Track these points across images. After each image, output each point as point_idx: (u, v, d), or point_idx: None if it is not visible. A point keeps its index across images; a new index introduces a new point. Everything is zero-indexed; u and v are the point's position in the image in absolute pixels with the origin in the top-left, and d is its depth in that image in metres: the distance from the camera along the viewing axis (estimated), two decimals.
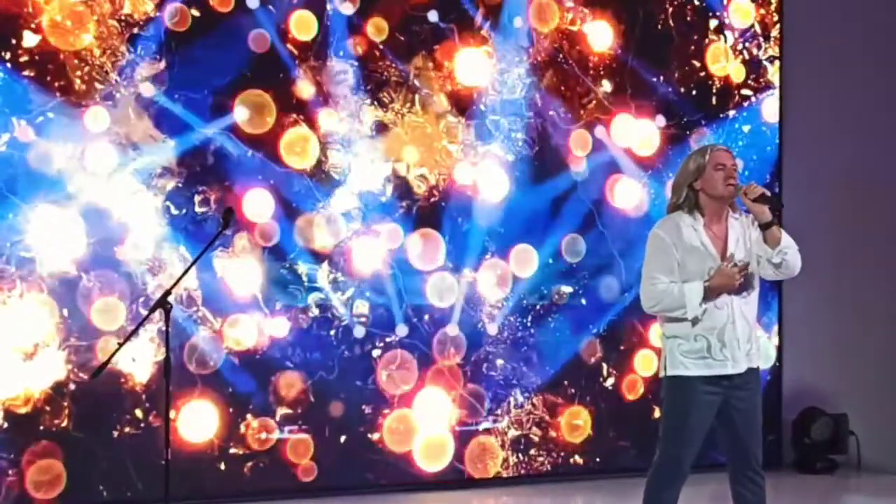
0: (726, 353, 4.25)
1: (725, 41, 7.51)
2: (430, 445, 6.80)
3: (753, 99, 7.59)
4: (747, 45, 7.57)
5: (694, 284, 4.23)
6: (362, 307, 6.68)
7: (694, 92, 7.44)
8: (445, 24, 6.87)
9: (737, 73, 7.55)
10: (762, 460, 4.45)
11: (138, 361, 6.15)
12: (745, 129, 7.57)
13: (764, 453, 7.48)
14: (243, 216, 6.37)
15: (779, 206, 4.25)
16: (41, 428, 6.00)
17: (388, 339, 6.72)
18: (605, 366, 7.18)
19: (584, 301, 7.14)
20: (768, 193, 4.26)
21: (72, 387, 6.04)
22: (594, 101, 7.20)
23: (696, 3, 7.43)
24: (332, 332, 6.61)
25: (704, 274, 4.26)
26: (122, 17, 6.19)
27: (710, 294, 4.23)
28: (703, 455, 4.47)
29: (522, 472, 7.02)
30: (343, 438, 6.61)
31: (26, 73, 6.01)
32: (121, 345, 4.94)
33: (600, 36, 7.22)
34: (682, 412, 4.29)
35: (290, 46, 6.54)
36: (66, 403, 6.04)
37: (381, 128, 6.75)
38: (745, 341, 4.29)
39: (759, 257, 4.31)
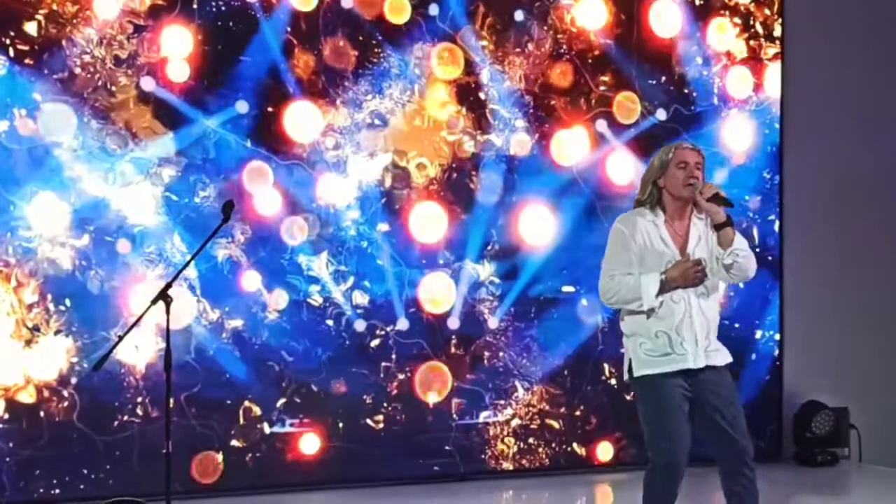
0: (686, 346, 4.24)
1: (727, 37, 7.50)
2: (430, 437, 6.79)
3: (755, 97, 7.58)
4: (750, 42, 7.56)
5: (650, 276, 4.24)
6: (362, 298, 6.67)
7: (695, 87, 7.43)
8: (446, 15, 6.85)
9: (738, 70, 7.53)
10: (754, 453, 4.34)
11: (140, 353, 6.14)
12: (747, 126, 7.55)
13: (765, 446, 7.51)
14: (243, 206, 6.35)
15: (730, 205, 4.26)
16: (43, 419, 5.99)
17: (388, 331, 6.71)
18: (606, 359, 7.17)
19: (584, 293, 7.12)
20: (723, 194, 4.26)
21: (73, 379, 6.04)
22: (595, 94, 7.18)
23: (698, 1, 7.42)
24: (332, 323, 6.60)
25: (662, 268, 4.27)
26: (123, 8, 6.17)
27: (666, 286, 4.23)
28: (697, 450, 4.39)
29: (523, 464, 7.01)
30: (343, 430, 6.60)
31: (26, 62, 5.99)
32: (121, 337, 4.93)
33: (601, 29, 7.20)
34: (660, 407, 4.25)
35: (289, 35, 6.52)
36: (68, 395, 6.03)
37: (381, 117, 6.73)
38: (704, 337, 4.28)
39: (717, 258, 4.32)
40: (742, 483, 4.28)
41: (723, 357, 4.34)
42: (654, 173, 4.37)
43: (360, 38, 6.67)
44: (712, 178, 7.41)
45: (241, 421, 6.39)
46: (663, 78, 7.33)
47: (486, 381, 6.93)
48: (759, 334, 7.57)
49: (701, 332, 4.26)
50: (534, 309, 7.03)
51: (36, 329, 5.97)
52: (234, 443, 6.38)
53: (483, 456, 6.92)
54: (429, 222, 6.81)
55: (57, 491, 6.02)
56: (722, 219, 4.25)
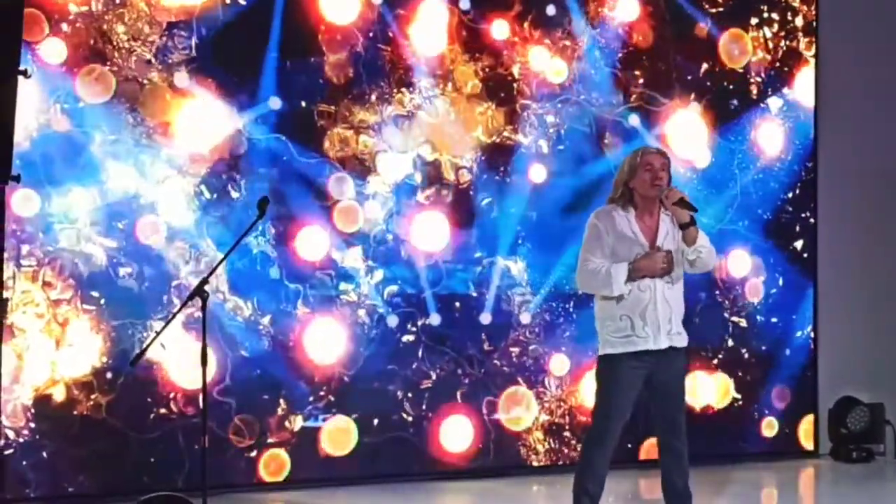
0: (648, 330, 4.65)
1: (764, 33, 7.47)
2: (461, 433, 6.79)
3: (790, 90, 7.56)
4: (788, 41, 7.53)
5: (620, 265, 4.64)
6: (394, 294, 6.67)
7: (731, 81, 7.41)
8: (478, 10, 6.84)
9: (774, 63, 7.50)
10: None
11: (175, 348, 6.14)
12: (781, 119, 7.52)
13: (800, 442, 7.46)
14: (276, 203, 6.33)
15: (693, 210, 4.63)
16: (77, 416, 6.00)
17: (420, 326, 6.71)
18: None
19: None
20: (687, 199, 4.65)
21: (108, 374, 6.05)
22: (629, 88, 7.16)
23: None
24: (365, 319, 6.61)
25: (632, 259, 4.65)
26: (155, 4, 6.19)
27: (634, 275, 4.62)
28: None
29: (554, 459, 7.00)
30: (375, 426, 6.61)
31: (60, 61, 6.00)
32: (158, 333, 4.95)
33: (636, 23, 7.19)
34: (610, 387, 4.74)
35: (321, 34, 6.53)
36: (102, 391, 6.04)
37: (413, 113, 6.73)
38: (666, 322, 4.67)
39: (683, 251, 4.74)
40: (671, 453, 4.76)
41: (682, 340, 4.75)
42: (625, 176, 4.76)
43: (390, 34, 6.67)
44: (754, 165, 7.41)
45: (276, 415, 6.40)
46: (700, 71, 7.30)
47: (517, 376, 6.92)
48: (794, 330, 7.53)
49: (664, 317, 4.66)
50: (565, 304, 7.01)
51: (70, 328, 5.99)
52: (268, 438, 6.39)
53: (515, 451, 6.91)
54: (460, 217, 6.80)
55: (90, 488, 6.05)
56: (686, 220, 4.64)
